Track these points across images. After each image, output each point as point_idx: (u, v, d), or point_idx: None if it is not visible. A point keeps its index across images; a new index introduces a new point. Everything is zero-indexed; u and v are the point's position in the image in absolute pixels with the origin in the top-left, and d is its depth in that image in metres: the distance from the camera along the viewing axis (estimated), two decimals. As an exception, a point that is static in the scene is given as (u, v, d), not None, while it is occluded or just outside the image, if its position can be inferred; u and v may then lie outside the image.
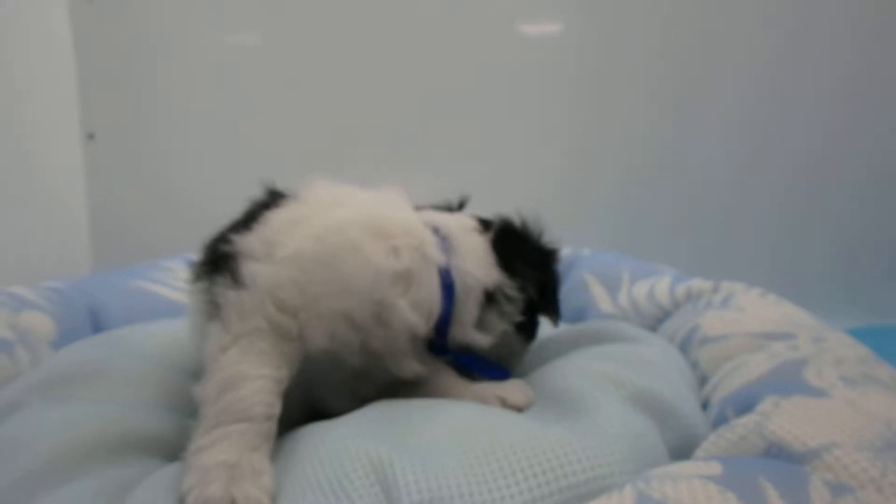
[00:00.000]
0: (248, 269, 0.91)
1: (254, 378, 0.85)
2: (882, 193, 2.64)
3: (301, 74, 2.54)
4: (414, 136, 2.59)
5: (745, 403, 0.91)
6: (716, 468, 0.69)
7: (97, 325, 1.50)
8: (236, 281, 0.92)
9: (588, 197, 2.63)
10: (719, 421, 0.94)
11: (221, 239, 1.02)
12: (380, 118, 2.58)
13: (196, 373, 1.20)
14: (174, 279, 1.80)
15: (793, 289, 1.49)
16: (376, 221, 0.97)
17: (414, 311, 0.94)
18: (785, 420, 0.79)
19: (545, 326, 1.23)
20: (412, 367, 0.99)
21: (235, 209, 1.10)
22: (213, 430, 0.82)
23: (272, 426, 0.85)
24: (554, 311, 1.13)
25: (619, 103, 2.58)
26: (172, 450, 0.97)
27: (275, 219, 0.99)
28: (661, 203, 2.64)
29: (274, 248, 0.93)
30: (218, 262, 1.00)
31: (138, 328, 1.40)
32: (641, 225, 2.63)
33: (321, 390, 1.02)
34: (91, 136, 2.46)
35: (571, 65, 2.56)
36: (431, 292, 0.96)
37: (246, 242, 0.96)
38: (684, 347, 1.28)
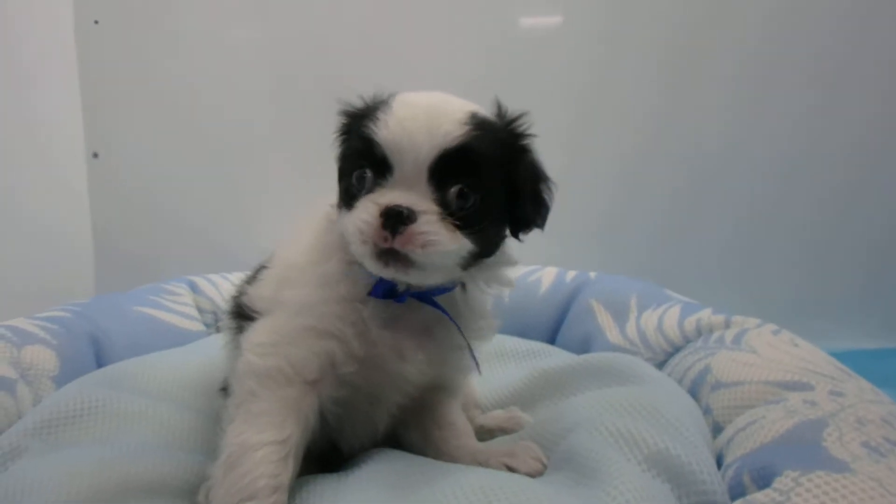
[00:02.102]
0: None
1: (256, 448, 0.86)
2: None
3: (300, 80, 2.51)
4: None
5: (762, 472, 0.89)
6: None
7: (100, 354, 1.48)
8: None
9: (582, 191, 2.56)
10: (735, 486, 0.92)
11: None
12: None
13: (199, 409, 1.21)
14: (177, 303, 1.78)
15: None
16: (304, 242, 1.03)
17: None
18: (807, 501, 0.77)
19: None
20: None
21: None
22: None
23: (280, 498, 0.85)
24: None
25: (616, 97, 2.55)
26: (173, 491, 0.98)
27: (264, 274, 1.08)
28: (657, 197, 2.61)
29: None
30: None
31: (139, 361, 1.39)
32: (634, 217, 2.62)
33: (337, 426, 1.02)
34: (95, 155, 2.46)
35: (571, 57, 2.53)
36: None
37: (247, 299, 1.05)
38: (695, 391, 1.26)
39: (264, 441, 0.87)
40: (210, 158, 2.51)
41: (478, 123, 0.89)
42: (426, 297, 0.96)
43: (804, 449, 0.89)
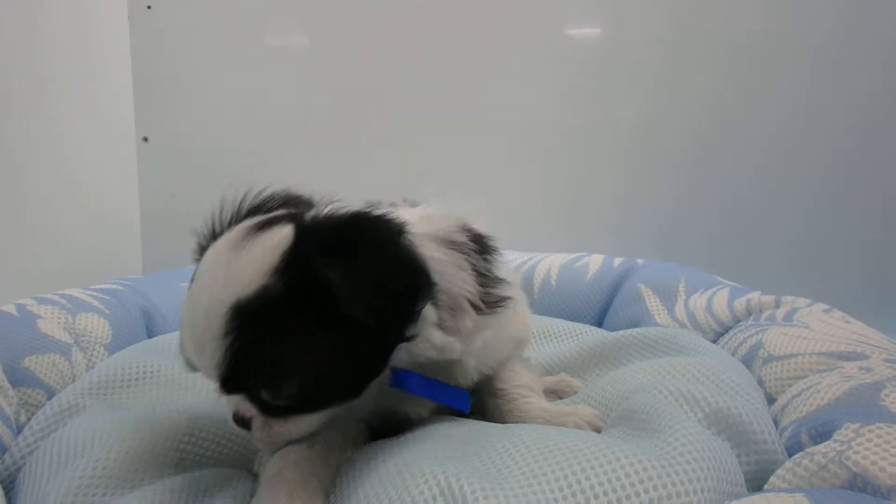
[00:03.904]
0: None
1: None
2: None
3: (346, 78, 2.55)
4: (455, 134, 2.58)
5: (821, 429, 0.87)
6: (802, 502, 0.66)
7: (150, 326, 1.52)
8: None
9: (624, 195, 2.58)
10: (793, 445, 0.90)
11: None
12: (427, 119, 2.57)
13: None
14: (224, 282, 1.80)
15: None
16: None
17: None
18: (868, 450, 0.75)
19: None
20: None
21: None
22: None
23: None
24: None
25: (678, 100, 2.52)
26: (222, 455, 0.99)
27: None
28: (698, 204, 2.56)
29: None
30: None
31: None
32: (679, 226, 2.57)
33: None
34: (145, 139, 2.53)
35: (610, 66, 2.51)
36: None
37: None
38: (746, 364, 1.24)
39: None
40: (255, 145, 2.56)
41: (246, 318, 0.73)
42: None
43: (863, 407, 0.87)
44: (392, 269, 0.76)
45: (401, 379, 0.88)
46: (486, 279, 0.96)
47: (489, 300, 0.95)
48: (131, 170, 2.50)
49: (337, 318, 0.73)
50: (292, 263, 0.74)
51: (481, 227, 1.04)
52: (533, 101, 2.53)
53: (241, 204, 0.92)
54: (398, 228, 0.80)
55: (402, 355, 0.86)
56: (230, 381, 0.76)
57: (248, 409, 0.82)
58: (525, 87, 2.53)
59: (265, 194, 0.95)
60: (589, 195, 2.56)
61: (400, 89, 2.56)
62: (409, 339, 0.83)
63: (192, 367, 0.80)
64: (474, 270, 0.94)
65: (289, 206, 0.92)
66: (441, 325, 0.88)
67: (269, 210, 0.90)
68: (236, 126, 2.59)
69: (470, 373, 0.96)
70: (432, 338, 0.86)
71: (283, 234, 0.77)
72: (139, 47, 2.50)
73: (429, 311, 0.84)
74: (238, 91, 2.58)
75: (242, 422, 0.84)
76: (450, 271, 0.89)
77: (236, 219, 0.90)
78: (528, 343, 1.18)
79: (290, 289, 0.74)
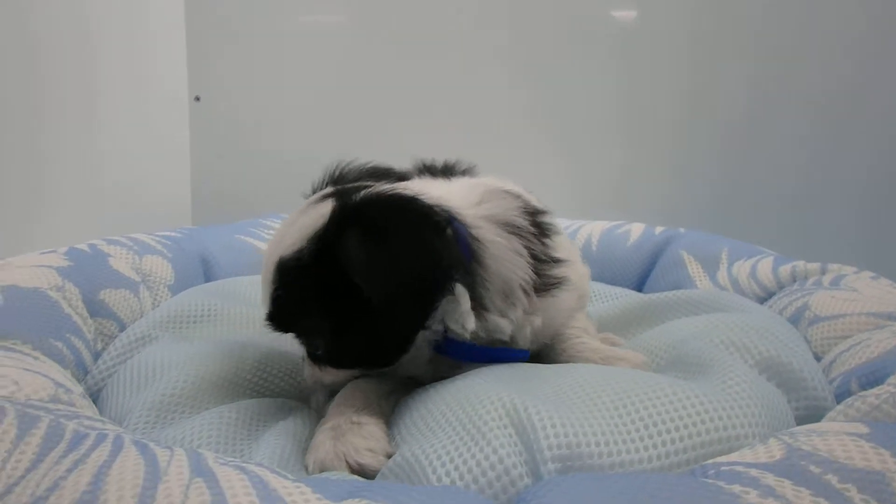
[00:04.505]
0: None
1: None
2: None
3: (392, 50, 2.57)
4: (497, 109, 2.59)
5: (871, 377, 0.89)
6: (861, 428, 0.67)
7: (207, 272, 1.58)
8: None
9: (668, 175, 2.55)
10: (842, 394, 0.92)
11: None
12: (467, 92, 2.59)
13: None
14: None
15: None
16: None
17: None
18: (925, 394, 0.77)
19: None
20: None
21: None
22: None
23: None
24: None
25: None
26: (285, 389, 1.05)
27: None
28: (746, 184, 2.51)
29: None
30: None
31: (244, 279, 1.47)
32: (730, 203, 2.52)
33: None
34: (197, 99, 2.59)
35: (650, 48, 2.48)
36: None
37: None
38: (792, 325, 1.25)
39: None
40: (305, 106, 2.59)
41: (284, 272, 0.85)
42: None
43: (916, 358, 0.88)
44: (413, 261, 0.81)
45: (450, 348, 0.93)
46: (542, 263, 0.98)
47: (544, 283, 0.98)
48: (183, 129, 2.55)
49: (357, 293, 0.79)
50: (325, 235, 0.83)
51: (535, 200, 1.11)
52: (576, 80, 2.53)
53: (333, 171, 1.05)
54: (439, 222, 0.86)
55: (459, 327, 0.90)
56: (272, 320, 0.88)
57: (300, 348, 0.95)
58: (565, 65, 2.53)
59: (353, 165, 1.07)
60: (619, 177, 2.57)
61: (442, 65, 2.57)
62: (427, 328, 0.89)
63: None
64: (532, 255, 0.95)
65: (372, 178, 1.01)
66: (491, 308, 0.92)
67: (354, 180, 1.01)
68: (288, 85, 2.61)
69: (524, 344, 0.99)
70: (466, 324, 0.89)
71: (328, 208, 0.85)
72: (193, 8, 2.53)
73: (463, 299, 0.88)
74: (289, 50, 2.60)
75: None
76: (506, 256, 0.92)
77: (326, 184, 1.02)
78: (588, 296, 1.19)
79: (319, 256, 0.82)
